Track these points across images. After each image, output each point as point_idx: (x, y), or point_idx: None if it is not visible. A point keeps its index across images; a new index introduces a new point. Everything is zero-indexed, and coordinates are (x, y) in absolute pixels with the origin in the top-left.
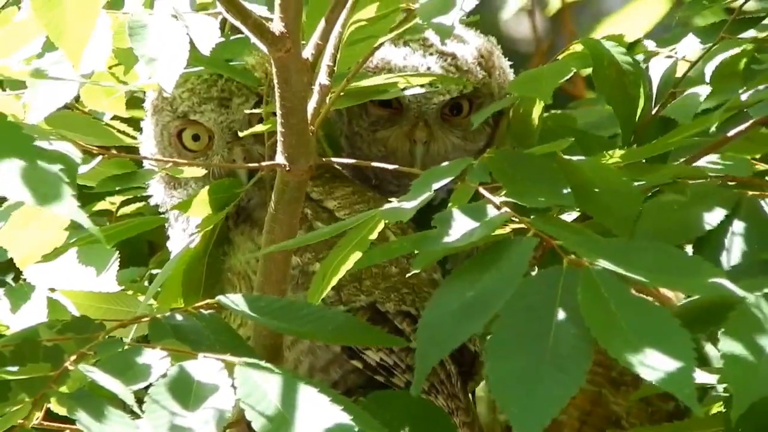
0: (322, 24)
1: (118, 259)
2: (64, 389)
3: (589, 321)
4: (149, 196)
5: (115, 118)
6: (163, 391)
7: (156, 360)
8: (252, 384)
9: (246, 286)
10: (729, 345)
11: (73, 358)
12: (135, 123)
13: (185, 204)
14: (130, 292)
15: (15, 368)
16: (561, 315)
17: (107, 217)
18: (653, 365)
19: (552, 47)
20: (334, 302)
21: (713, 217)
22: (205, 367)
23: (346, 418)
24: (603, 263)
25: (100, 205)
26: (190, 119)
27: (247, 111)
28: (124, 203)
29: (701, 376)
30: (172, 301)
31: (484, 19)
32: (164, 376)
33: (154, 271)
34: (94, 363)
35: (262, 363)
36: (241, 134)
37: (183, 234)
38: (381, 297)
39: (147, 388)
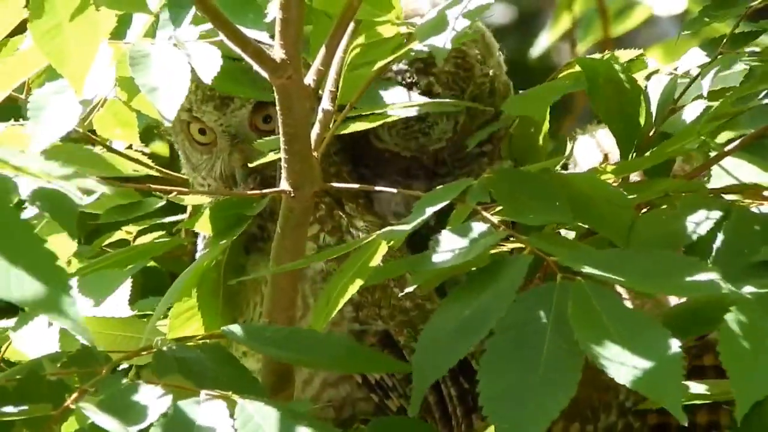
0: (322, 50)
1: (131, 285)
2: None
3: (578, 333)
4: (168, 223)
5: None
6: None
7: (156, 399)
8: (253, 424)
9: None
10: (728, 345)
11: (74, 396)
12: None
13: (192, 220)
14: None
15: (17, 408)
16: (553, 330)
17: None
18: (643, 377)
19: None
20: (351, 320)
21: (703, 225)
22: (205, 407)
23: None
24: (596, 272)
25: (117, 235)
26: (194, 115)
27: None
28: (141, 232)
29: (696, 388)
30: (184, 323)
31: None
32: (164, 415)
33: None
34: (97, 402)
35: (263, 401)
36: (250, 165)
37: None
38: (395, 329)
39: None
